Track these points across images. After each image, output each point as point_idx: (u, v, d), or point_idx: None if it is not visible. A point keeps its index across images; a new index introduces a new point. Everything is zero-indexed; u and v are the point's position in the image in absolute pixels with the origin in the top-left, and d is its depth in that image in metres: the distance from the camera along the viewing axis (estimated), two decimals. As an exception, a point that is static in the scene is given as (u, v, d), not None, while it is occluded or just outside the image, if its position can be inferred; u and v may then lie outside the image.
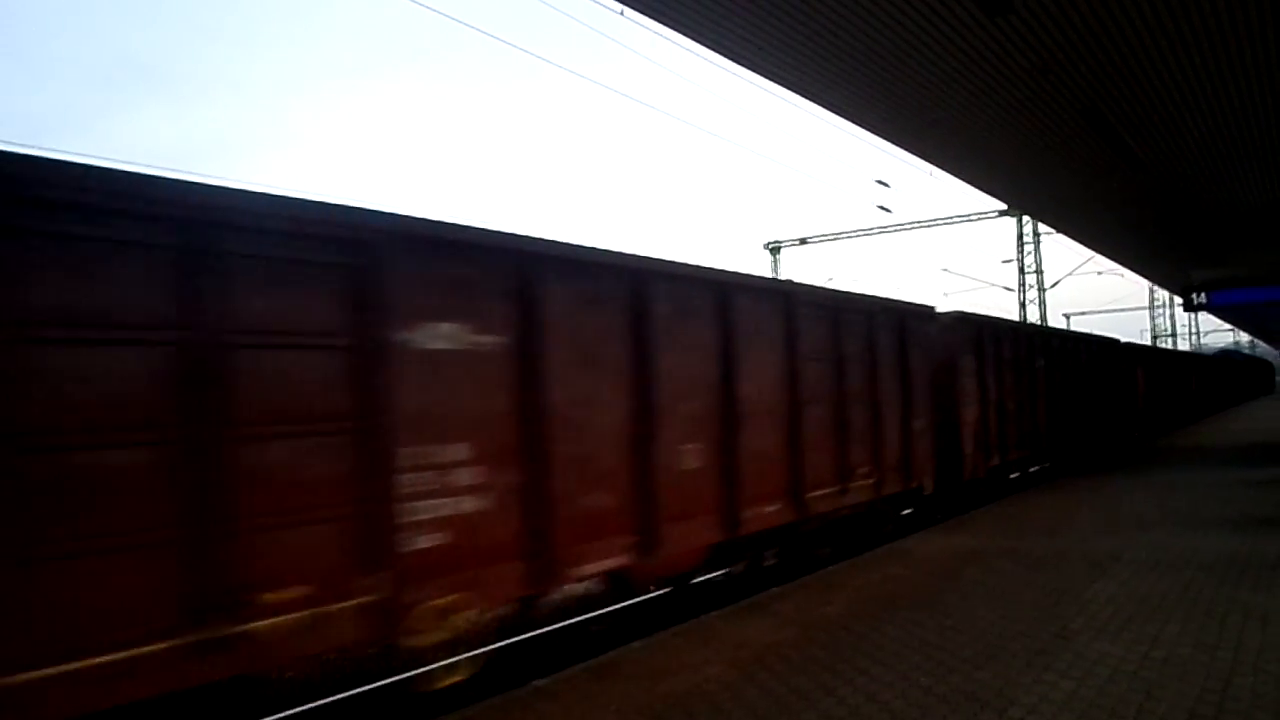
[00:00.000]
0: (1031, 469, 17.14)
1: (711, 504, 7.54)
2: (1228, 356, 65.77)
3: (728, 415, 7.77)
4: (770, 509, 8.28)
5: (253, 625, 4.30)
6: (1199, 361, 44.15)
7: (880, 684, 5.39)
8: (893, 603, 7.46)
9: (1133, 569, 8.37)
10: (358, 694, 6.51)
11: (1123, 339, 27.61)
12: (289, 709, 6.12)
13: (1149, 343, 53.27)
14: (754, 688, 5.45)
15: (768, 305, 8.57)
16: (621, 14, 8.95)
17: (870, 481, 10.11)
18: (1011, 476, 15.74)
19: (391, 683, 6.66)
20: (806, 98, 10.55)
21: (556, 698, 5.45)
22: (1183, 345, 64.29)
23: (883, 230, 38.09)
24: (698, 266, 7.78)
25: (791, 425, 8.68)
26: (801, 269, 57.93)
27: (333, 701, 6.38)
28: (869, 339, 10.29)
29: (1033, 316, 37.86)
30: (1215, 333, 71.00)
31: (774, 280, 8.55)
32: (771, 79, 9.90)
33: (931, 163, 14.06)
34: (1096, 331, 24.38)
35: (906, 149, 13.11)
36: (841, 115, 11.31)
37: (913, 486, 11.20)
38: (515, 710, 5.26)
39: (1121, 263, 29.26)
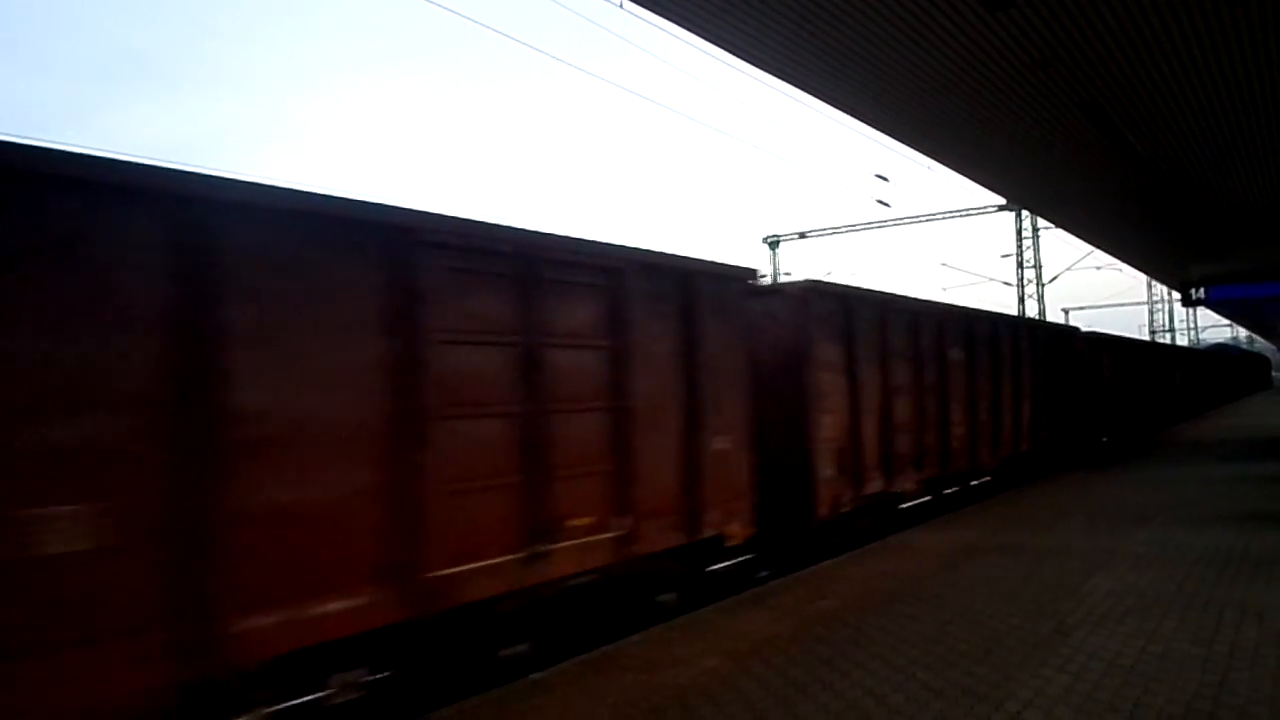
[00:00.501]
0: (954, 489, 13.08)
1: (149, 614, 4.13)
2: (1221, 351, 64.20)
3: (199, 445, 4.32)
4: (334, 607, 4.81)
5: None
6: (1185, 355, 40.13)
7: (877, 678, 5.40)
8: (890, 597, 7.47)
9: (1129, 563, 8.38)
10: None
11: (1121, 332, 27.45)
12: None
13: (1147, 338, 53.27)
14: (751, 681, 5.45)
15: (332, 248, 5.04)
16: (620, 6, 8.93)
17: (607, 536, 6.54)
18: (905, 506, 11.59)
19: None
20: (805, 91, 10.52)
21: (553, 691, 5.46)
22: (1181, 341, 64.40)
23: (882, 225, 38.10)
24: (89, 159, 4.16)
25: (398, 456, 5.17)
26: (801, 263, 57.94)
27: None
28: (611, 313, 6.73)
29: (1031, 311, 37.88)
30: (1214, 328, 71.16)
31: (342, 202, 5.05)
32: (770, 72, 9.87)
33: (930, 157, 14.03)
34: (1096, 327, 24.04)
35: (905, 143, 13.08)
36: (840, 109, 11.28)
37: (705, 536, 7.58)
38: (512, 703, 5.27)
39: (1120, 258, 29.26)
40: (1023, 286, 38.69)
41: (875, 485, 10.55)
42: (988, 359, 14.04)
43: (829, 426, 9.69)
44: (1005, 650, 5.84)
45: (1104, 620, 6.48)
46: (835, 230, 40.48)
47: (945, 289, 60.11)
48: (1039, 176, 15.56)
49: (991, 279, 46.17)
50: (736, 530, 8.00)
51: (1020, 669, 5.45)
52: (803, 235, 41.35)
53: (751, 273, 8.72)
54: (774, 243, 41.84)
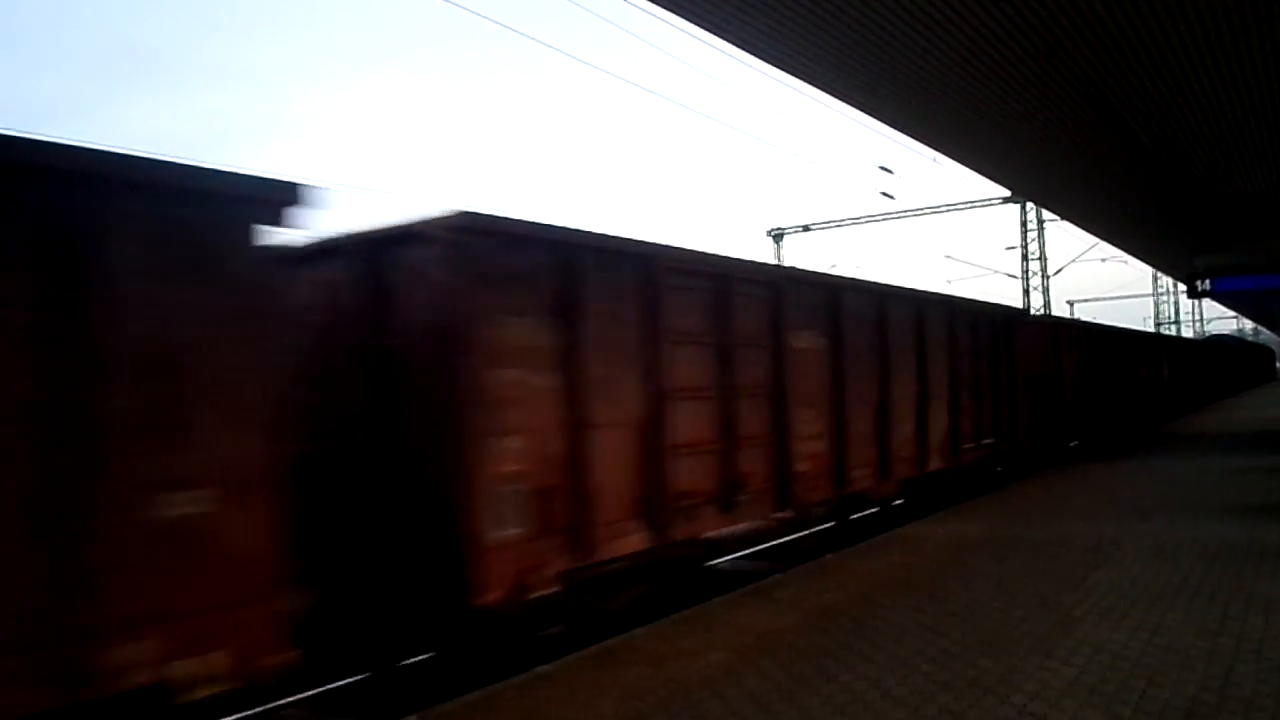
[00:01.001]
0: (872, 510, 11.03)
1: None
2: (1220, 341, 59.24)
3: None
4: None
5: None
6: (1176, 345, 35.27)
7: (882, 670, 5.39)
8: (895, 589, 7.46)
9: (1134, 556, 8.36)
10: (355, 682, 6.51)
11: (1128, 325, 27.02)
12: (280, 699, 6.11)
13: (1152, 329, 53.03)
14: (756, 674, 5.45)
15: None
16: (624, -2, 8.90)
17: None
18: (715, 564, 8.81)
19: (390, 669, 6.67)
20: (809, 83, 10.50)
21: (558, 684, 5.46)
22: (1186, 332, 64.23)
23: (886, 217, 37.98)
24: None
25: None
26: (805, 256, 57.85)
27: (325, 691, 6.38)
28: None
29: (1036, 303, 37.80)
30: (1220, 320, 70.93)
31: None
32: (774, 65, 9.84)
33: (935, 148, 14.01)
34: (1101, 320, 23.46)
35: (909, 134, 13.05)
36: (844, 100, 11.25)
37: (120, 689, 3.93)
38: (517, 695, 5.27)
39: (1125, 249, 29.19)
40: (1027, 279, 38.62)
41: (626, 543, 6.74)
42: (873, 348, 10.24)
43: (514, 454, 5.86)
44: (1010, 642, 5.83)
45: (1109, 612, 6.46)
46: (839, 223, 40.41)
47: (950, 281, 59.95)
48: (1043, 167, 15.52)
49: (996, 271, 46.09)
50: (220, 664, 4.23)
51: (1025, 661, 5.44)
52: (806, 228, 41.25)
53: (287, 192, 4.67)
54: (778, 235, 41.75)
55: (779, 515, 8.75)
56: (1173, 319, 63.01)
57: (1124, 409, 22.66)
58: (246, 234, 4.49)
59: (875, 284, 10.90)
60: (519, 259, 6.12)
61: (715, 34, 8.93)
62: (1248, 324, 75.07)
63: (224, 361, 4.39)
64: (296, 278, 5.80)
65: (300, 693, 6.14)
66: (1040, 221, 38.13)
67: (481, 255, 5.81)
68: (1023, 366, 14.99)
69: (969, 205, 36.85)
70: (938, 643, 5.89)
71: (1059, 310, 46.63)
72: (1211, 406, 37.58)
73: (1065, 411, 17.71)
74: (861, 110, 11.69)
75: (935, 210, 37.46)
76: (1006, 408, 14.22)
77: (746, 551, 10.54)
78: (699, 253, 7.89)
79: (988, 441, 13.48)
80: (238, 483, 4.38)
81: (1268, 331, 79.15)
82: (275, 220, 4.60)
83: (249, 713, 5.75)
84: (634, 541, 6.84)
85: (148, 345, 4.14)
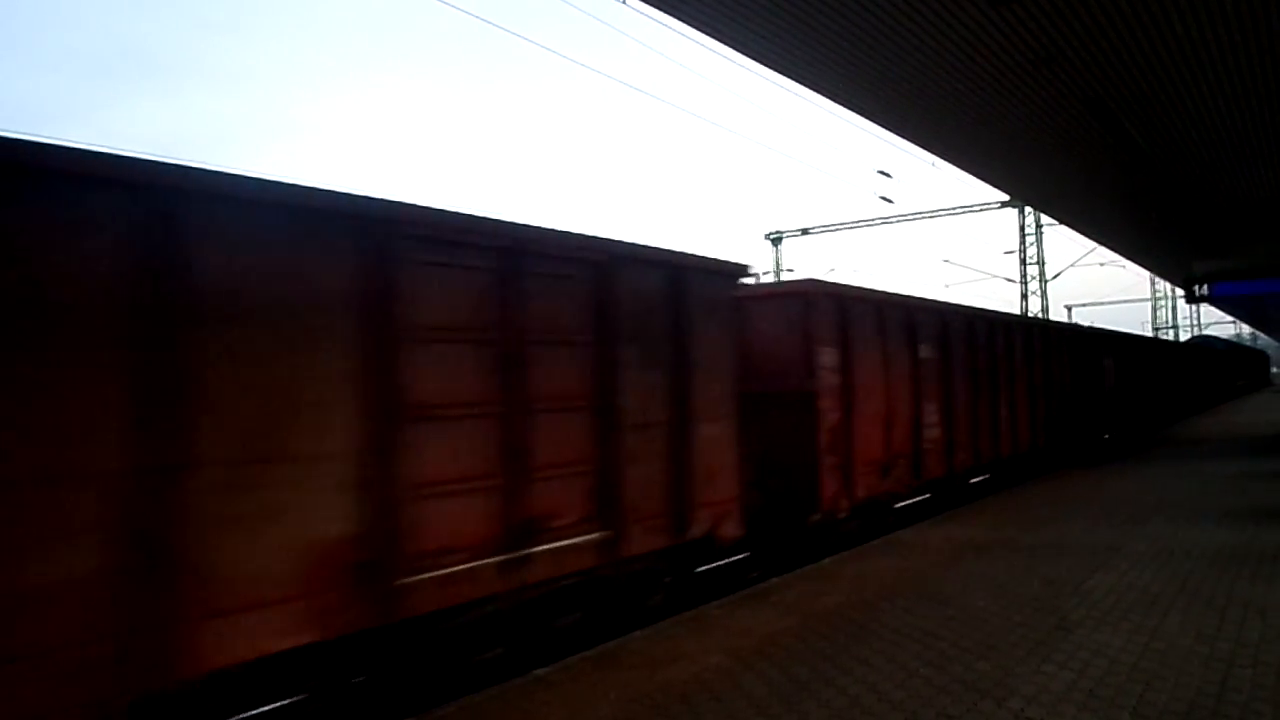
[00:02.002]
0: None
1: None
2: (1202, 343, 50.37)
3: None
4: None
5: None
6: (1130, 346, 25.27)
7: (880, 674, 5.40)
8: (892, 593, 7.47)
9: (1131, 560, 8.37)
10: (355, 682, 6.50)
11: (1126, 329, 26.51)
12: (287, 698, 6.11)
13: (1149, 334, 52.89)
14: (754, 677, 5.45)
15: None
16: (625, 2, 8.92)
17: None
18: None
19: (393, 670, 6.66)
20: (809, 87, 10.52)
21: (557, 687, 5.46)
22: (1185, 337, 64.23)
23: (885, 221, 38.05)
24: None
25: None
26: (803, 259, 57.88)
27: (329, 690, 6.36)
28: None
29: (1034, 308, 37.86)
30: (1218, 324, 71.00)
31: None
32: (774, 69, 9.87)
33: (933, 153, 14.03)
34: (1099, 324, 22.40)
35: (908, 139, 13.08)
36: (844, 105, 11.28)
37: None
38: (515, 699, 5.27)
39: (1123, 254, 29.26)
40: (1025, 283, 38.67)
41: None
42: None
43: None
44: (1008, 647, 5.84)
45: (1106, 617, 6.47)
46: (839, 226, 40.47)
47: (948, 285, 59.97)
48: (1041, 172, 15.56)
49: (995, 276, 46.11)
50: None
51: (1023, 665, 5.44)
52: (805, 231, 41.31)
53: None
54: (776, 239, 41.80)
55: None
56: (1171, 324, 63.09)
57: (1019, 433, 15.21)
58: None
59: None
60: None
61: (716, 38, 8.95)
62: (1246, 329, 75.18)
63: None
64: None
65: (298, 694, 6.15)
66: (1039, 226, 38.19)
67: None
68: (726, 377, 7.78)
69: (967, 209, 36.91)
70: (936, 646, 5.90)
71: (1057, 315, 46.72)
72: (1185, 420, 31.24)
73: (805, 463, 9.42)
74: (860, 114, 11.72)
75: (933, 214, 37.52)
76: (666, 459, 7.10)
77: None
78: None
79: (582, 539, 6.30)
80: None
81: (1265, 337, 79.26)
82: None
83: (251, 713, 5.82)
84: None
85: None
